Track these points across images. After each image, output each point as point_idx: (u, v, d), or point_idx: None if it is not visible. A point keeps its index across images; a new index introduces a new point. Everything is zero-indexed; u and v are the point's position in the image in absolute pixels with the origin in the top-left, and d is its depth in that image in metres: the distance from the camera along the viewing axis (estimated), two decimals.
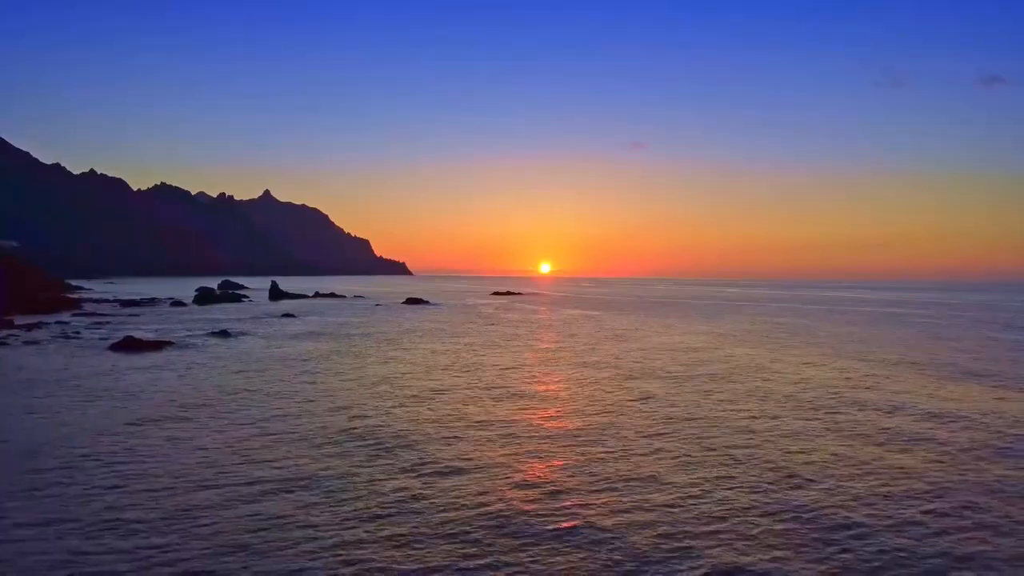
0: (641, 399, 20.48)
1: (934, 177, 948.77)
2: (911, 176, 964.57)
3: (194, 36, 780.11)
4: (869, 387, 22.98)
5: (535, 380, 24.17)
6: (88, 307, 63.02)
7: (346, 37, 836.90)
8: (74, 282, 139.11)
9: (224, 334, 38.80)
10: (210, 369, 25.60)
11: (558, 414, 18.35)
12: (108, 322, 47.43)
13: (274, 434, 15.45)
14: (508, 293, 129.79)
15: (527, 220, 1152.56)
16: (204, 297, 77.84)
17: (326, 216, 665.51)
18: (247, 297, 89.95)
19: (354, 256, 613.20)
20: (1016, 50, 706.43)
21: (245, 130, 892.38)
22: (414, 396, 20.52)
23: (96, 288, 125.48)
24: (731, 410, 18.87)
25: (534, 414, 18.27)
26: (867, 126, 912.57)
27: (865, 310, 79.63)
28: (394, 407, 18.75)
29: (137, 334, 38.30)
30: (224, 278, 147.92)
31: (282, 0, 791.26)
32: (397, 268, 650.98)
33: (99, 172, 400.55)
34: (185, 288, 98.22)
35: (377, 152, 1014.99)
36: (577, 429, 16.52)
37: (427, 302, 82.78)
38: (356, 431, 15.89)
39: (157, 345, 31.99)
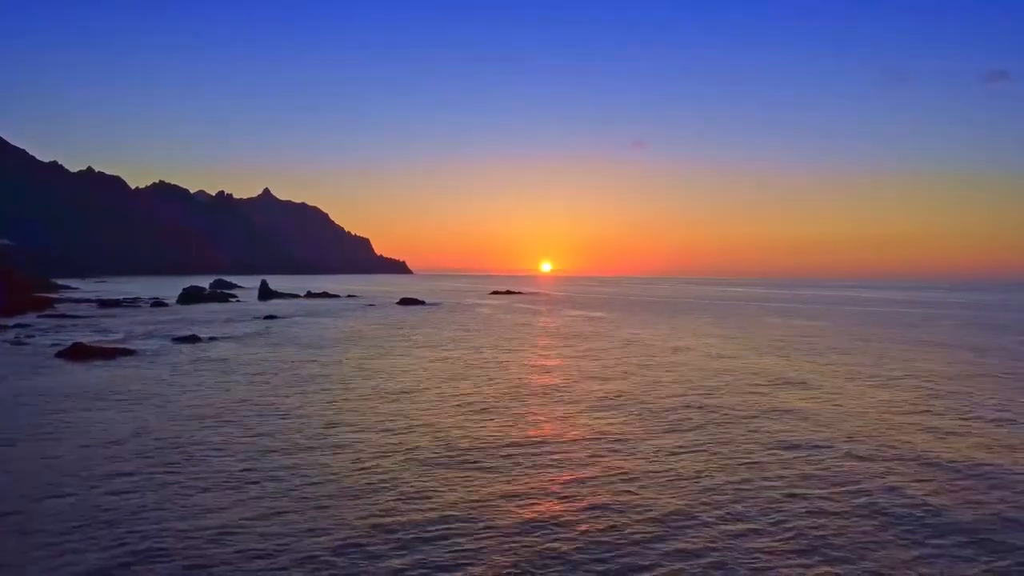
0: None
1: (936, 176, 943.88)
2: (912, 176, 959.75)
3: (194, 36, 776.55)
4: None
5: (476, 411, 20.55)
6: (62, 308, 59.80)
7: (346, 37, 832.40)
8: (64, 281, 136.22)
9: (192, 339, 35.58)
10: (136, 385, 22.28)
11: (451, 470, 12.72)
12: (74, 325, 44.23)
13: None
14: (508, 292, 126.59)
15: (528, 219, 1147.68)
16: (189, 297, 74.65)
17: (326, 215, 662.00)
18: (235, 297, 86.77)
19: (354, 255, 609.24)
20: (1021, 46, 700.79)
21: (244, 129, 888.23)
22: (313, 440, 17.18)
23: (84, 287, 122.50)
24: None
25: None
26: (868, 126, 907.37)
27: (876, 310, 76.33)
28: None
29: (101, 339, 35.27)
30: (218, 277, 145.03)
31: (282, 0, 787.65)
32: (397, 267, 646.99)
33: (97, 170, 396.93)
34: (179, 287, 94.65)
35: (377, 151, 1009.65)
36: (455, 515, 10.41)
37: (422, 302, 79.54)
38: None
39: (109, 353, 28.71)
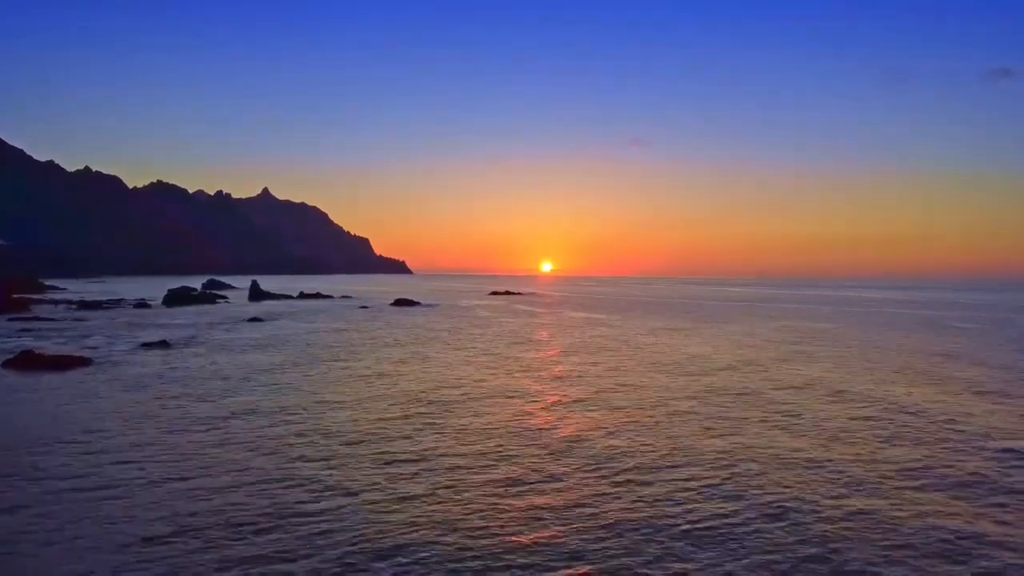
0: None
1: (936, 177, 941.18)
2: (912, 176, 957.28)
3: (194, 36, 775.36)
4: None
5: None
6: (39, 310, 57.37)
7: (346, 37, 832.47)
8: (58, 282, 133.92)
9: (162, 345, 33.12)
10: (56, 406, 19.72)
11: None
12: (42, 329, 41.73)
13: None
14: (507, 293, 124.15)
15: (528, 219, 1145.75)
16: (174, 298, 72.16)
17: (325, 214, 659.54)
18: (225, 298, 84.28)
19: (354, 255, 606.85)
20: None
21: (243, 128, 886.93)
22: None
23: (74, 288, 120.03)
24: None
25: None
26: (868, 126, 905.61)
27: (885, 311, 73.68)
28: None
29: (66, 344, 32.89)
30: (211, 277, 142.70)
31: (282, 0, 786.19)
32: (397, 267, 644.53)
33: (94, 170, 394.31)
34: (172, 287, 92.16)
35: (377, 151, 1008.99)
36: None
37: (417, 303, 77.10)
38: None
39: (62, 362, 26.20)
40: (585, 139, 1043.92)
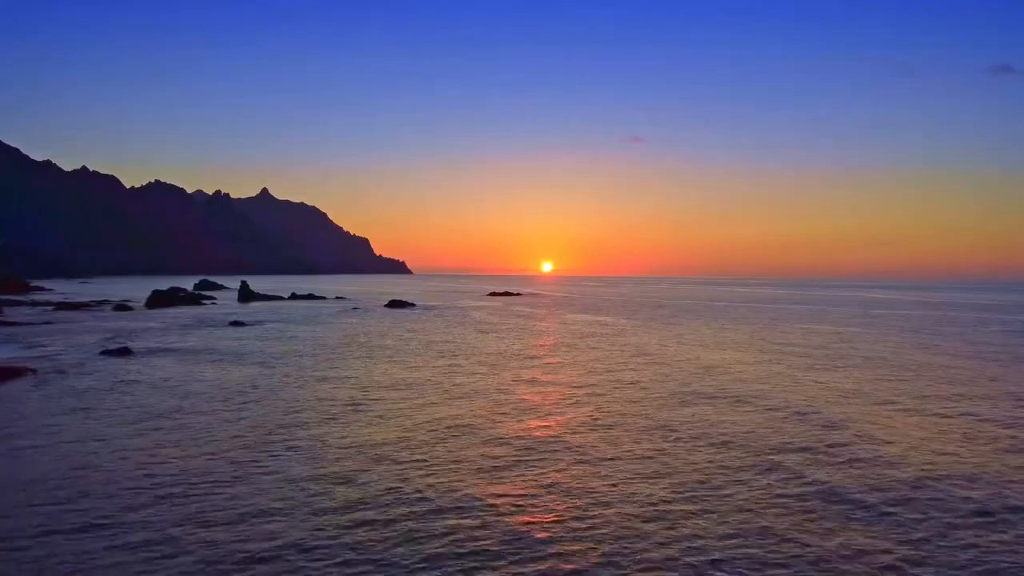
0: None
1: (936, 176, 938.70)
2: (912, 175, 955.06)
3: (194, 36, 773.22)
4: None
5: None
6: (12, 312, 54.45)
7: (346, 37, 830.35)
8: (49, 282, 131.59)
9: (123, 352, 30.30)
10: None
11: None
12: (1, 333, 38.95)
13: None
14: (506, 294, 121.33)
15: (528, 218, 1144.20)
16: (157, 299, 69.32)
17: (325, 214, 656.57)
18: (213, 299, 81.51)
19: (353, 255, 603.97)
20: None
21: (243, 128, 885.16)
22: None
23: (63, 288, 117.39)
24: None
25: None
26: (868, 125, 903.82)
27: (902, 313, 70.75)
28: None
29: (20, 352, 30.14)
30: (204, 277, 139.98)
31: (282, 0, 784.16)
32: (396, 267, 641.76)
33: (92, 169, 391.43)
34: (165, 288, 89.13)
35: (377, 151, 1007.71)
36: None
37: (413, 305, 74.41)
38: None
39: (2, 372, 23.44)
40: (586, 139, 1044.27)
